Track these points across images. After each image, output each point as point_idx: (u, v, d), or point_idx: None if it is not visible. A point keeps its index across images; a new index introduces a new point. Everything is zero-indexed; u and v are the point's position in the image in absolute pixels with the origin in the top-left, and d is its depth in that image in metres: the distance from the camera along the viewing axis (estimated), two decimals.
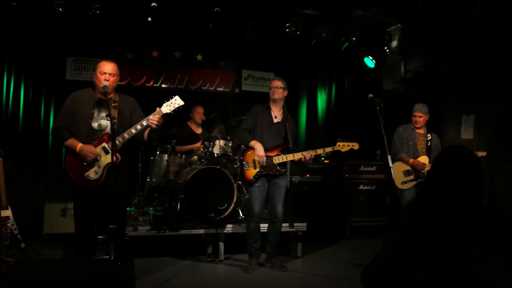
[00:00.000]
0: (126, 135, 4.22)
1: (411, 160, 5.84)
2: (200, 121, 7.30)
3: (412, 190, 5.86)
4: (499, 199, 6.53)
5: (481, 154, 5.66)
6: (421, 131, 6.01)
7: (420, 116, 5.90)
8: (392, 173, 5.81)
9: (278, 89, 5.44)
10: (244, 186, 6.42)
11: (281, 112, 5.57)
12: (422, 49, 7.69)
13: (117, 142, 4.11)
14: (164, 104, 4.30)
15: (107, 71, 4.26)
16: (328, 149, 5.39)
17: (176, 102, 4.32)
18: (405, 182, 5.89)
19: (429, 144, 5.92)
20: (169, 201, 6.33)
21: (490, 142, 6.73)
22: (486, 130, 6.79)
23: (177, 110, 4.35)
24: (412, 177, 5.86)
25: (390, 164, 4.82)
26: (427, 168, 5.78)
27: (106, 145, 4.21)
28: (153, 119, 4.21)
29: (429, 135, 5.97)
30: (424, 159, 5.86)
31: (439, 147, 6.01)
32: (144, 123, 4.25)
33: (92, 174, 4.15)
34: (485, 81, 6.68)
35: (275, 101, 5.49)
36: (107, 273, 3.29)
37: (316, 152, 5.36)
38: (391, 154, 5.87)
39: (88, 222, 4.30)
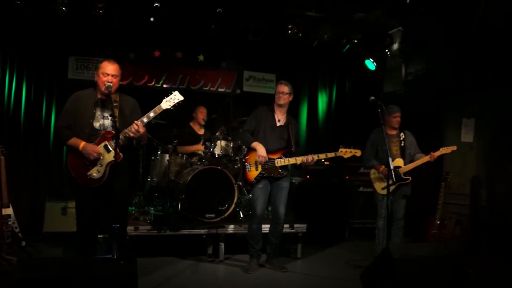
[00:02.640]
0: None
1: (381, 168, 5.77)
2: (203, 122, 7.30)
3: (391, 195, 5.69)
4: (499, 202, 6.55)
5: (451, 149, 5.66)
6: (393, 132, 5.91)
7: (400, 116, 5.82)
8: (372, 181, 5.96)
9: (284, 94, 5.45)
10: (245, 187, 6.43)
11: (284, 115, 5.57)
12: (423, 52, 7.72)
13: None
14: (164, 100, 4.28)
15: (110, 73, 4.25)
16: (331, 155, 5.40)
17: (176, 97, 4.30)
18: (385, 188, 5.73)
19: (402, 144, 5.85)
20: (169, 201, 6.34)
21: (490, 145, 6.76)
22: (486, 133, 6.81)
23: (177, 106, 4.31)
24: (390, 181, 5.76)
25: (391, 167, 4.82)
26: (403, 170, 5.72)
27: (107, 143, 4.20)
28: (132, 128, 4.15)
29: (402, 134, 5.88)
30: (399, 162, 5.76)
31: (414, 144, 5.95)
32: (145, 119, 4.23)
33: (94, 172, 4.15)
34: (485, 84, 6.70)
35: (280, 105, 5.51)
36: (110, 271, 3.29)
37: (318, 156, 5.37)
38: (363, 161, 5.97)
39: (90, 221, 4.29)
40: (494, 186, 6.65)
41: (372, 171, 5.97)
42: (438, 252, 4.31)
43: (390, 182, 5.60)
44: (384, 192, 5.78)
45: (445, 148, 5.67)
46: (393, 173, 4.92)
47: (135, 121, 4.18)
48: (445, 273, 4.21)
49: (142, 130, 4.18)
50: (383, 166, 5.73)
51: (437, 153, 5.65)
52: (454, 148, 5.68)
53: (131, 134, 4.17)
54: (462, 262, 4.35)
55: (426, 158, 5.67)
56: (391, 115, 5.85)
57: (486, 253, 6.35)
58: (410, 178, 5.75)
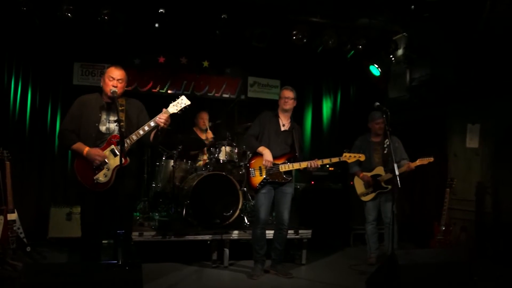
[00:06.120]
0: (134, 137, 4.22)
1: (361, 174, 6.03)
2: (204, 127, 7.31)
3: (372, 201, 6.03)
4: (504, 208, 6.53)
5: (427, 160, 5.75)
6: (377, 139, 6.10)
7: (383, 122, 5.75)
8: (355, 187, 6.22)
9: (290, 99, 5.46)
10: (249, 192, 6.43)
11: (289, 120, 5.57)
12: (427, 57, 7.70)
13: (125, 144, 4.13)
14: (171, 104, 4.30)
15: (115, 77, 4.29)
16: (335, 159, 5.39)
17: (183, 101, 4.32)
18: (365, 194, 6.06)
19: (385, 151, 5.93)
20: (174, 207, 6.35)
21: (495, 151, 6.73)
22: (491, 139, 6.80)
23: (184, 110, 4.34)
24: (371, 189, 6.00)
25: (397, 172, 4.81)
26: (384, 178, 5.90)
27: (114, 148, 4.22)
28: (161, 117, 4.22)
29: (386, 141, 5.81)
30: (379, 170, 5.98)
31: (400, 150, 6.02)
32: (152, 123, 4.25)
33: (101, 177, 4.16)
34: (490, 90, 6.69)
35: (285, 111, 5.51)
36: (116, 277, 3.30)
37: (322, 162, 5.36)
38: (348, 167, 6.16)
39: (95, 226, 4.28)
40: (499, 192, 6.63)
41: (355, 178, 6.20)
42: (443, 258, 4.31)
43: (371, 190, 6.00)
44: (364, 198, 6.11)
45: (421, 159, 5.78)
46: (398, 180, 4.89)
47: (164, 109, 4.26)
48: (450, 279, 4.20)
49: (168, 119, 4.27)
50: (363, 173, 6.00)
51: (413, 164, 5.78)
52: (431, 159, 5.77)
53: (162, 124, 4.22)
54: (467, 268, 4.34)
55: (404, 169, 5.77)
56: (374, 121, 6.07)
57: (491, 259, 6.32)
58: (389, 187, 5.87)
